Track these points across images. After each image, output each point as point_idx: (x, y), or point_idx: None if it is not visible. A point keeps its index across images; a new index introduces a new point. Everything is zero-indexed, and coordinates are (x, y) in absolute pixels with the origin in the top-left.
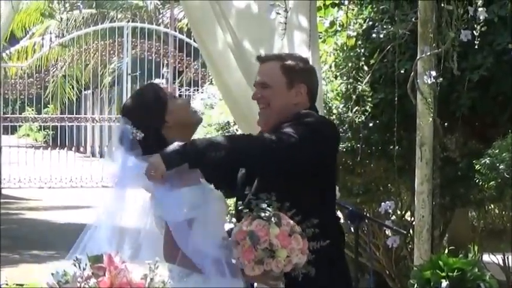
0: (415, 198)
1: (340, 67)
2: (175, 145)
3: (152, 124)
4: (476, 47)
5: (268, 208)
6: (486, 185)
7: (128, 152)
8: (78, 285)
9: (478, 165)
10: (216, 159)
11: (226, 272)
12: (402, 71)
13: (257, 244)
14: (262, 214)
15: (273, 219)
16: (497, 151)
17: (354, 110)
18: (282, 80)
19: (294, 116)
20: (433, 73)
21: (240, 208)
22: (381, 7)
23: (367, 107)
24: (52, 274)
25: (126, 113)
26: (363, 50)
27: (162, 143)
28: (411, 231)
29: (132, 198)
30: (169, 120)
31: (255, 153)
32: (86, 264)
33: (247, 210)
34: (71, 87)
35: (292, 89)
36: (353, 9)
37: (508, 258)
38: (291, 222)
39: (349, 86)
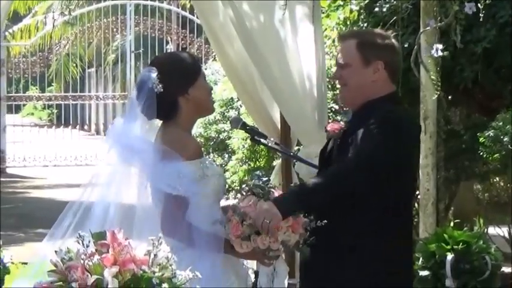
0: (420, 172)
1: None
2: (288, 193)
3: (177, 86)
4: (481, 20)
5: (263, 185)
6: (490, 158)
7: (137, 110)
8: (82, 262)
9: (482, 138)
10: (326, 202)
11: (215, 245)
12: (405, 45)
13: (244, 220)
14: (255, 191)
15: (261, 196)
16: (501, 123)
17: None
18: (357, 58)
19: (382, 119)
20: (440, 46)
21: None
22: None
23: None
24: (55, 251)
25: (157, 64)
26: (365, 24)
27: (172, 110)
28: (416, 204)
29: (128, 172)
30: (191, 94)
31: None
32: (89, 241)
33: (246, 188)
34: (74, 65)
35: (370, 67)
36: None
37: None
38: None
39: None
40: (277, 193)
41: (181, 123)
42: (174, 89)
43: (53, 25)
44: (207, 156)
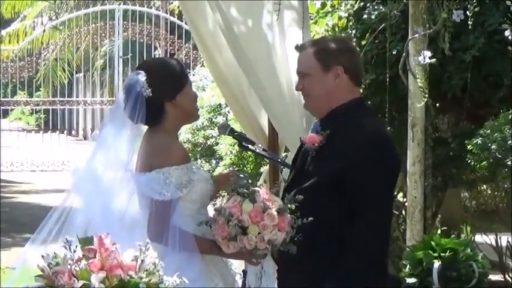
0: (407, 179)
1: None
2: None
3: (165, 91)
4: (469, 27)
5: (247, 184)
6: (478, 165)
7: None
8: (69, 267)
9: (470, 146)
10: None
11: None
12: (394, 52)
13: (230, 221)
14: (240, 190)
15: (247, 195)
16: (489, 131)
17: None
18: (316, 66)
19: (364, 148)
20: (428, 53)
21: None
22: None
23: None
24: (42, 256)
25: (145, 68)
26: (354, 31)
27: (158, 115)
28: (403, 212)
29: (113, 177)
30: (178, 100)
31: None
32: (76, 246)
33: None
34: (62, 70)
35: (330, 73)
36: None
37: (500, 238)
38: (272, 198)
39: None
40: (262, 193)
41: (167, 129)
42: (162, 94)
43: (44, 30)
44: (195, 162)
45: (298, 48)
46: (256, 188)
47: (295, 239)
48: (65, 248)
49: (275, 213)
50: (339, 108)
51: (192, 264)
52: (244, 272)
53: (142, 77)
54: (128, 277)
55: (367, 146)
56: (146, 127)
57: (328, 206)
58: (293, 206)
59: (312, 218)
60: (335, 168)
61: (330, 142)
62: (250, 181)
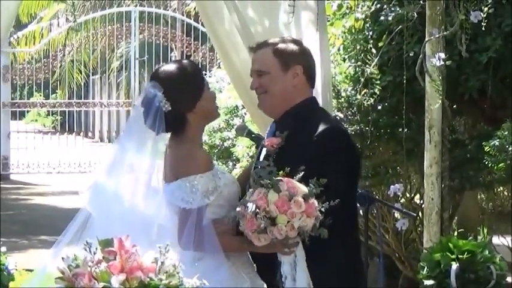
0: (424, 181)
1: (349, 50)
2: None
3: (184, 103)
4: (483, 28)
5: (269, 175)
6: (495, 167)
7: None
8: (89, 269)
9: (487, 147)
10: None
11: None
12: (411, 54)
13: (257, 213)
14: (262, 182)
15: (271, 185)
16: (506, 133)
17: (363, 93)
18: (275, 64)
19: (324, 145)
20: (442, 55)
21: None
22: None
23: (376, 90)
24: (62, 258)
25: (160, 81)
26: (371, 33)
27: (180, 125)
28: (420, 213)
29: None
30: (198, 108)
31: None
32: (96, 248)
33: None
34: (78, 72)
35: (289, 72)
36: None
37: None
38: (296, 185)
39: (357, 68)
40: (285, 181)
41: (190, 135)
42: (181, 106)
43: (62, 31)
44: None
45: (253, 48)
46: (279, 178)
47: (324, 223)
48: (85, 249)
49: (301, 199)
50: (295, 108)
51: (222, 268)
52: (279, 262)
53: (159, 90)
54: (148, 279)
55: (327, 139)
56: (169, 134)
57: None
58: (318, 191)
59: (338, 200)
60: (299, 165)
61: (289, 141)
62: (272, 172)
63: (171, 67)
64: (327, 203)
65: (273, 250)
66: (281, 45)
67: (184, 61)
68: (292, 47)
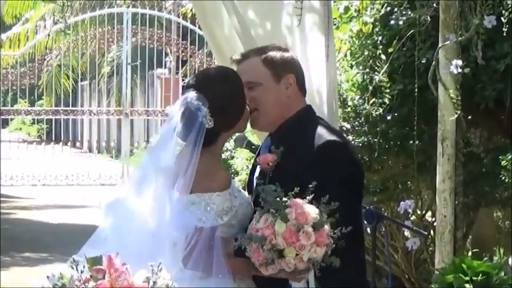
0: (437, 197)
1: (356, 56)
2: None
3: (226, 123)
4: (504, 34)
5: (277, 199)
6: None
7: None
8: None
9: (504, 161)
10: None
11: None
12: (423, 61)
13: (263, 244)
14: (270, 208)
15: (278, 214)
16: None
17: (371, 102)
18: (267, 74)
19: (326, 160)
20: (459, 62)
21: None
22: None
23: (385, 99)
24: (47, 277)
25: (209, 95)
26: (380, 38)
27: (212, 141)
28: (432, 232)
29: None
30: (236, 127)
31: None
32: (83, 266)
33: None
34: (66, 77)
35: (281, 81)
36: None
37: None
38: (306, 211)
39: (365, 76)
40: (294, 207)
41: (216, 150)
42: (223, 125)
43: (48, 34)
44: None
45: (238, 60)
46: (288, 202)
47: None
48: (72, 267)
49: (311, 229)
50: (290, 120)
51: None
52: (289, 285)
53: (204, 105)
54: None
55: (327, 152)
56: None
57: None
58: (326, 217)
59: (351, 227)
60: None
61: (287, 155)
62: (279, 197)
63: (218, 79)
64: (339, 228)
65: (282, 277)
66: (271, 54)
67: (230, 72)
68: (282, 54)
